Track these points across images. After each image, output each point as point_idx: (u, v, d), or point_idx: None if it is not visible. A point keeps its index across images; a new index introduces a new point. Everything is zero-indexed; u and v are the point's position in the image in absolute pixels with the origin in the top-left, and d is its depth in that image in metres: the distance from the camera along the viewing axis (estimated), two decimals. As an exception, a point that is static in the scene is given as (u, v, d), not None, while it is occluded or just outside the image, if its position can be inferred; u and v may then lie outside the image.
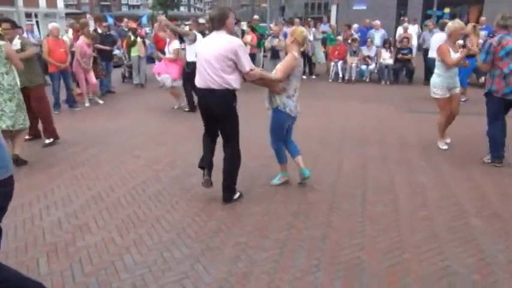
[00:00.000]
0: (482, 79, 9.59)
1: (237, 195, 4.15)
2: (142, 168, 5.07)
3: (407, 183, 4.57)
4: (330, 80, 12.23)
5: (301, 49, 4.23)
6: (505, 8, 19.40)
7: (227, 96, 3.79)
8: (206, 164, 4.13)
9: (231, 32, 3.89)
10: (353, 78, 11.90)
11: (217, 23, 3.76)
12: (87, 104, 8.83)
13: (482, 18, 12.84)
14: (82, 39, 8.64)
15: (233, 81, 3.76)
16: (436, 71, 5.59)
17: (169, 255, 3.15)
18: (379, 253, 3.17)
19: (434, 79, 5.57)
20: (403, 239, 3.36)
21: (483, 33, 10.26)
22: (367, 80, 11.98)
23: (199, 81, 3.87)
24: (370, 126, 6.98)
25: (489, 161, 5.09)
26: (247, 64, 3.77)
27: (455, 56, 5.32)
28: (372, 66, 11.98)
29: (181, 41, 8.30)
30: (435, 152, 5.59)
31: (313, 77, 12.99)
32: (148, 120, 7.58)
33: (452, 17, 19.78)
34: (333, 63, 12.30)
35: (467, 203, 4.02)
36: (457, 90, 5.63)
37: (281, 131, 4.32)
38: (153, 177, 4.77)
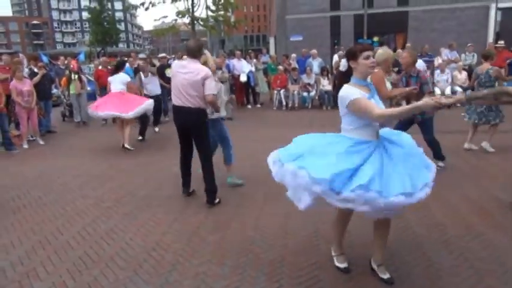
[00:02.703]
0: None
1: (217, 200, 4.76)
2: (90, 207, 4.89)
3: (355, 201, 4.77)
4: (274, 108, 12.59)
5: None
6: (425, 35, 21.09)
7: (200, 113, 4.63)
8: (185, 182, 5.02)
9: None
10: (296, 105, 12.34)
11: (197, 52, 4.63)
12: (25, 146, 8.40)
13: (407, 45, 13.96)
14: (14, 80, 8.30)
15: (203, 103, 4.60)
16: None
17: (127, 293, 3.05)
18: (335, 270, 3.27)
19: None
20: (357, 255, 3.50)
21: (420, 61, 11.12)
22: (309, 107, 12.48)
23: (177, 101, 4.63)
24: (316, 150, 7.24)
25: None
26: (210, 90, 4.53)
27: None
28: (313, 93, 12.53)
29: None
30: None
31: (258, 106, 13.34)
32: (92, 158, 7.35)
33: (381, 44, 21.30)
34: (275, 92, 12.71)
35: (411, 214, 4.25)
36: None
37: None
38: (103, 215, 4.61)
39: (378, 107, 2.79)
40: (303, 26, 23.69)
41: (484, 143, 6.61)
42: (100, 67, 11.33)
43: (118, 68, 8.25)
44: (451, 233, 3.84)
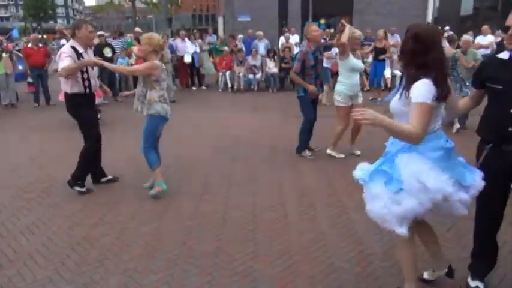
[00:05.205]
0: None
1: (77, 189, 4.51)
2: (11, 199, 4.48)
3: (295, 186, 4.75)
4: (220, 90, 12.35)
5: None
6: (369, 19, 21.32)
7: (67, 98, 4.44)
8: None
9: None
10: (241, 87, 12.17)
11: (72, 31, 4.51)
12: None
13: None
14: None
15: (67, 85, 4.35)
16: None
17: (45, 295, 2.80)
18: (271, 259, 3.20)
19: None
20: (293, 242, 3.46)
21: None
22: (255, 89, 12.35)
23: None
24: (259, 133, 7.16)
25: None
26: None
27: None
28: (259, 75, 12.39)
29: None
30: (319, 154, 5.90)
31: (203, 87, 13.02)
32: (20, 143, 6.79)
33: (328, 27, 21.50)
34: (221, 74, 12.44)
35: (347, 199, 4.29)
36: (359, 100, 5.67)
37: (155, 136, 4.49)
38: (25, 207, 4.24)
39: None
40: (250, 6, 23.27)
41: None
42: (30, 45, 10.43)
43: None
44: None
